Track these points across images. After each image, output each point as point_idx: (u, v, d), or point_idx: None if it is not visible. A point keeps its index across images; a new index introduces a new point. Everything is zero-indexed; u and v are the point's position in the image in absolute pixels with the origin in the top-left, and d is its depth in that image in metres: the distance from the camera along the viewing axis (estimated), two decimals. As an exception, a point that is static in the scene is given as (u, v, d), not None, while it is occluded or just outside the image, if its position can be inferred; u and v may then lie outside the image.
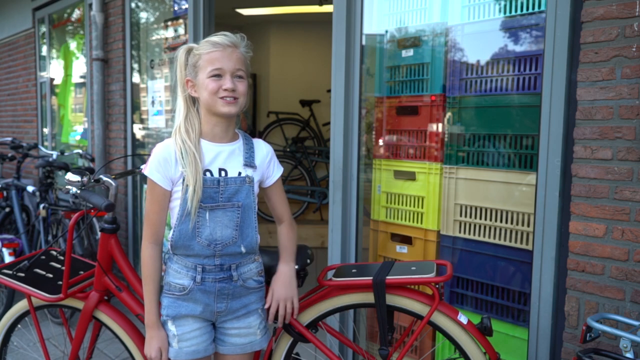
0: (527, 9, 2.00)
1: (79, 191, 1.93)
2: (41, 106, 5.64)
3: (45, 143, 5.58)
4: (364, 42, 2.46)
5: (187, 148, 1.51)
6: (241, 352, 1.64)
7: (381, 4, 2.50)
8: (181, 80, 1.58)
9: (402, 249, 2.49)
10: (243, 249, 1.58)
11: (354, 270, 1.73)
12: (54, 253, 2.29)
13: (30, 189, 3.87)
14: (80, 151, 4.35)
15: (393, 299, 1.64)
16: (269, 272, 1.71)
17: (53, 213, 3.62)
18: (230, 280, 1.58)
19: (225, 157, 1.58)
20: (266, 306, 1.64)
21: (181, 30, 3.57)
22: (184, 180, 1.51)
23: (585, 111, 1.79)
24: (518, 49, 2.04)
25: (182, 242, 1.54)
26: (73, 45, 5.04)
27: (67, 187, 1.95)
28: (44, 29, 5.48)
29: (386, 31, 2.49)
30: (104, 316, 1.94)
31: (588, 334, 1.49)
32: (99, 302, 1.94)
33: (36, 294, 1.93)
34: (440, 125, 2.31)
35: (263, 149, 1.65)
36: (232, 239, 1.56)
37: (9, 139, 4.62)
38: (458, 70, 2.23)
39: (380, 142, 2.56)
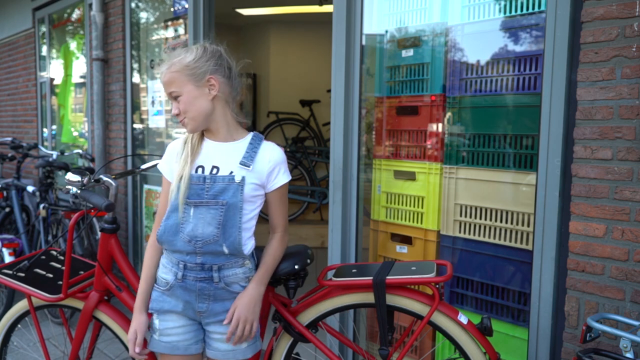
0: (527, 9, 2.00)
1: (79, 191, 1.93)
2: (41, 106, 5.64)
3: (45, 143, 5.58)
4: (364, 42, 2.46)
5: (186, 148, 1.58)
6: (223, 359, 1.61)
7: (381, 4, 2.50)
8: None
9: (402, 249, 2.49)
10: (225, 249, 1.55)
11: (354, 270, 1.73)
12: (54, 253, 2.29)
13: (30, 189, 3.87)
14: (80, 151, 4.35)
15: (393, 299, 1.64)
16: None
17: (53, 213, 3.62)
18: (211, 281, 1.57)
19: (222, 155, 1.59)
20: (225, 322, 1.57)
21: (181, 30, 3.57)
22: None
23: (585, 111, 1.79)
24: (518, 49, 2.04)
25: (166, 237, 1.57)
26: (73, 45, 5.04)
27: (67, 187, 1.95)
28: (44, 29, 5.48)
29: (386, 31, 2.49)
30: (104, 316, 1.94)
31: (588, 334, 1.49)
32: (99, 302, 1.94)
33: (36, 294, 1.93)
34: (440, 125, 2.31)
35: (269, 154, 1.60)
36: (214, 237, 1.54)
37: (9, 139, 4.62)
38: (458, 70, 2.23)
39: (380, 142, 2.56)
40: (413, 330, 1.69)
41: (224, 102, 1.60)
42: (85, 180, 1.92)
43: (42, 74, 5.58)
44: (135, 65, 4.12)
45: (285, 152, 6.15)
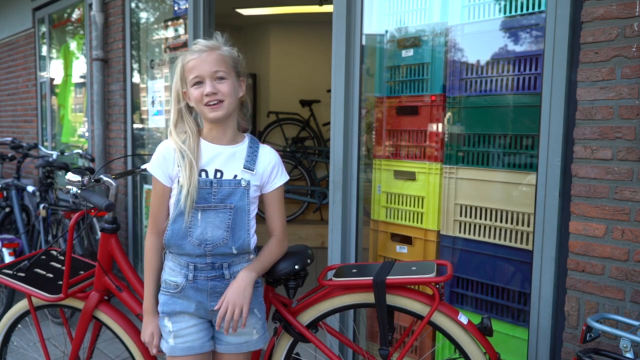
0: (527, 9, 2.00)
1: (79, 191, 1.93)
2: (41, 106, 5.64)
3: (45, 143, 5.58)
4: (364, 42, 2.46)
5: (186, 153, 1.53)
6: (236, 352, 1.64)
7: (381, 4, 2.50)
8: (176, 90, 1.61)
9: (402, 249, 2.49)
10: (234, 250, 1.58)
11: (354, 270, 1.73)
12: (54, 253, 2.29)
13: (30, 189, 3.87)
14: (80, 151, 4.35)
15: (393, 299, 1.64)
16: (271, 273, 1.71)
17: (53, 213, 3.62)
18: (223, 279, 1.59)
19: (224, 158, 1.59)
20: (215, 307, 1.55)
21: (181, 30, 3.57)
22: (179, 179, 1.55)
23: (585, 111, 1.79)
24: (518, 49, 2.04)
25: (174, 241, 1.57)
26: (73, 45, 5.04)
27: (67, 187, 1.95)
28: (44, 29, 5.48)
29: (386, 31, 2.49)
30: (104, 316, 1.94)
31: (588, 334, 1.49)
32: (99, 302, 1.94)
33: (36, 294, 1.93)
34: (440, 125, 2.31)
35: (267, 156, 1.64)
36: (223, 240, 1.56)
37: (9, 139, 4.62)
38: (458, 70, 2.23)
39: (380, 142, 2.56)
40: (413, 330, 1.69)
41: (240, 105, 1.65)
42: (86, 180, 1.92)
43: (42, 74, 5.58)
44: (135, 65, 4.12)
45: (285, 152, 6.21)
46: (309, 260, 1.76)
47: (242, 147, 1.62)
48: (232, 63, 1.57)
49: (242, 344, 1.64)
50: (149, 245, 1.65)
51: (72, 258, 2.01)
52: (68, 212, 3.47)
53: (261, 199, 1.67)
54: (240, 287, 1.54)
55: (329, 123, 2.58)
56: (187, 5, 3.37)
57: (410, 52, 2.39)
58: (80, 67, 4.91)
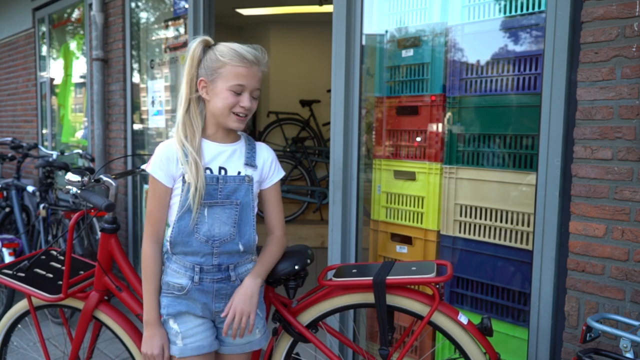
0: (527, 9, 2.00)
1: (79, 191, 1.93)
2: (41, 106, 5.64)
3: (45, 143, 5.58)
4: (364, 42, 2.46)
5: (189, 152, 1.52)
6: (240, 352, 1.65)
7: (381, 4, 2.50)
8: (191, 76, 1.55)
9: (402, 249, 2.49)
10: (241, 247, 1.58)
11: (354, 271, 1.73)
12: (54, 253, 2.29)
13: (30, 189, 3.87)
14: (80, 151, 4.35)
15: (393, 299, 1.64)
16: (271, 273, 1.71)
17: (53, 213, 3.62)
18: (229, 281, 1.59)
19: (226, 156, 1.59)
20: (222, 315, 1.57)
21: (181, 30, 3.57)
22: (184, 177, 1.53)
23: (585, 111, 1.79)
24: (518, 49, 2.04)
25: (180, 238, 1.55)
26: (73, 45, 5.04)
27: (67, 187, 1.95)
28: (44, 29, 5.48)
29: (386, 31, 2.49)
30: (104, 316, 1.94)
31: (588, 334, 1.49)
32: (99, 302, 1.94)
33: (36, 294, 1.93)
34: (440, 125, 2.31)
35: (265, 152, 1.67)
36: (230, 235, 1.56)
37: (9, 139, 4.62)
38: (458, 70, 2.23)
39: (380, 142, 2.56)
40: (413, 330, 1.69)
41: None
42: (86, 180, 1.92)
43: (42, 74, 5.58)
44: (135, 65, 4.12)
45: (285, 152, 6.19)
46: (309, 260, 1.76)
47: (240, 145, 1.63)
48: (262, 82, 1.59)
49: (245, 344, 1.65)
50: (149, 253, 1.59)
51: (72, 258, 2.01)
52: (68, 212, 3.47)
53: (259, 197, 1.67)
54: (247, 295, 1.56)
55: (329, 123, 2.58)
56: (187, 5, 3.37)
57: (410, 52, 2.39)
58: (80, 67, 4.91)
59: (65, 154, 4.43)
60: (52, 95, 5.46)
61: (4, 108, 6.48)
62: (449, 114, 2.28)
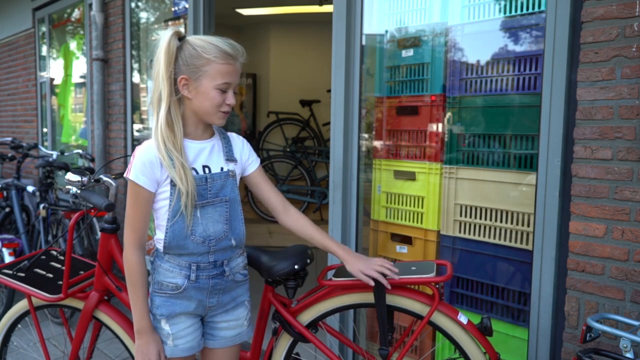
0: (527, 9, 2.00)
1: (79, 191, 1.93)
2: (41, 106, 5.64)
3: (45, 143, 5.58)
4: (364, 42, 2.46)
5: (175, 157, 1.46)
6: (231, 344, 1.66)
7: (381, 4, 2.50)
8: (167, 74, 1.46)
9: (402, 249, 2.49)
10: (233, 242, 1.58)
11: (354, 270, 1.72)
12: (54, 253, 2.29)
13: (30, 189, 3.87)
14: (80, 151, 4.35)
15: (393, 299, 1.64)
16: (270, 272, 1.71)
17: (53, 213, 3.62)
18: (223, 276, 1.59)
19: (207, 154, 1.57)
20: (368, 272, 1.58)
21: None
22: (171, 181, 1.48)
23: (585, 111, 1.79)
24: (518, 49, 2.04)
25: (175, 242, 1.52)
26: (73, 45, 5.04)
27: (67, 187, 1.95)
28: (44, 29, 5.49)
29: (386, 31, 2.49)
30: (104, 316, 1.94)
31: (588, 334, 1.49)
32: (99, 302, 1.94)
33: (36, 294, 1.93)
34: (440, 125, 2.31)
35: (239, 143, 1.66)
36: (224, 232, 1.56)
37: (9, 139, 4.62)
38: (458, 70, 2.23)
39: (380, 142, 2.56)
40: (413, 330, 1.69)
41: None
42: (86, 180, 1.92)
43: (42, 74, 5.58)
44: (135, 65, 4.12)
45: (285, 152, 6.17)
46: (308, 260, 1.76)
47: (217, 140, 1.61)
48: None
49: (235, 336, 1.66)
50: (135, 262, 1.52)
51: (72, 258, 2.01)
52: (68, 212, 3.47)
53: (249, 184, 1.68)
54: (365, 258, 1.64)
55: (329, 123, 2.58)
56: (187, 5, 3.37)
57: (410, 52, 2.39)
58: (80, 67, 4.91)
59: (65, 154, 4.43)
60: (52, 95, 5.46)
61: (4, 108, 6.48)
62: (449, 114, 2.28)
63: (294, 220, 1.68)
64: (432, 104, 2.32)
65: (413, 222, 2.43)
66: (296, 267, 1.71)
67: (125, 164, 4.16)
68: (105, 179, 1.98)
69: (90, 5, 4.26)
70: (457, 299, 2.30)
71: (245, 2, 5.77)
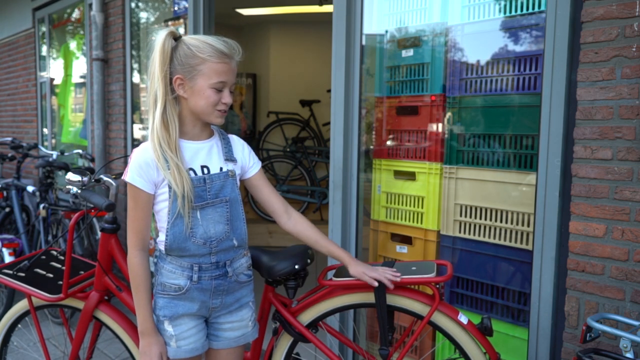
0: (527, 9, 2.00)
1: (79, 191, 1.93)
2: (41, 106, 5.64)
3: (45, 143, 5.58)
4: (364, 42, 2.46)
5: (169, 157, 1.45)
6: (235, 345, 1.65)
7: (381, 4, 2.50)
8: (163, 74, 1.46)
9: (402, 249, 2.49)
10: (235, 242, 1.58)
11: (354, 270, 1.72)
12: (54, 253, 2.29)
13: (30, 189, 3.87)
14: (80, 151, 4.35)
15: (393, 299, 1.64)
16: (270, 272, 1.71)
17: (53, 213, 3.62)
18: (226, 277, 1.58)
19: (205, 154, 1.56)
20: (371, 274, 1.60)
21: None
22: (169, 183, 1.47)
23: (585, 111, 1.79)
24: (518, 49, 2.04)
25: (176, 244, 1.51)
26: (73, 45, 5.04)
27: (67, 187, 1.95)
28: (44, 29, 5.49)
29: (386, 31, 2.49)
30: (104, 316, 1.94)
31: (588, 334, 1.49)
32: (99, 302, 1.94)
33: (36, 294, 1.93)
34: (440, 125, 2.31)
35: (239, 143, 1.65)
36: (225, 233, 1.55)
37: (9, 139, 4.62)
38: (458, 70, 2.23)
39: (380, 142, 2.56)
40: (413, 330, 1.69)
41: None
42: (86, 180, 1.92)
43: (42, 74, 5.58)
44: (135, 65, 4.12)
45: (286, 152, 6.17)
46: (309, 260, 1.76)
47: (216, 140, 1.60)
48: None
49: (239, 337, 1.65)
50: (137, 263, 1.52)
51: (72, 258, 2.01)
52: (68, 212, 3.47)
53: (250, 187, 1.68)
54: (367, 266, 1.64)
55: (329, 123, 2.58)
56: (187, 5, 3.37)
57: (410, 52, 2.39)
58: (80, 67, 4.91)
59: (65, 154, 4.43)
60: (52, 95, 5.46)
61: (4, 108, 6.48)
62: (449, 114, 2.28)
63: (297, 224, 1.68)
64: (432, 104, 2.32)
65: (413, 222, 2.43)
66: (296, 267, 1.71)
67: (125, 164, 4.16)
68: (105, 179, 1.98)
69: (90, 5, 4.26)
70: (457, 299, 2.31)
71: (245, 2, 5.77)
